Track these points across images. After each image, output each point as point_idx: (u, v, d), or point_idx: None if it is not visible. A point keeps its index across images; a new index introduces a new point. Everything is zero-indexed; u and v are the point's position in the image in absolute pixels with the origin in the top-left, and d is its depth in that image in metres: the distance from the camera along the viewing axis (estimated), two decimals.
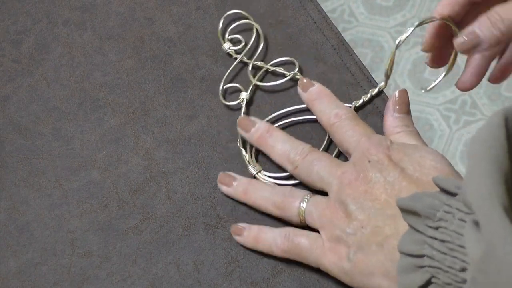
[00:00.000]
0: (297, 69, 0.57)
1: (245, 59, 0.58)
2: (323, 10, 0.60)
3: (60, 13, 0.62)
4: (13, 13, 0.62)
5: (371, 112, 0.56)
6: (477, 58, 0.51)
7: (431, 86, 0.56)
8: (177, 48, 0.60)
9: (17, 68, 0.60)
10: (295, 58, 0.58)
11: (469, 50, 0.50)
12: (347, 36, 1.35)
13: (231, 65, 0.58)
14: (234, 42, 0.59)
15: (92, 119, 0.58)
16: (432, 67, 0.55)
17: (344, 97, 0.56)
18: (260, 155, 0.55)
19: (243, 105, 0.56)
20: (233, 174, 0.54)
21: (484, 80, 0.54)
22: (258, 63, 0.58)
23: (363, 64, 0.58)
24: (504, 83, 1.29)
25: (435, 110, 1.29)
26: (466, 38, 0.50)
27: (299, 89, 0.55)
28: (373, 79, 0.57)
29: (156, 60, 0.60)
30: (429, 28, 0.52)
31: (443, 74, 0.56)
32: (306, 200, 0.50)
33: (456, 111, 1.29)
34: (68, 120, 0.58)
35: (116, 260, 0.52)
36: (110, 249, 0.53)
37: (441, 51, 0.54)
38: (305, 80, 0.54)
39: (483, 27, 0.49)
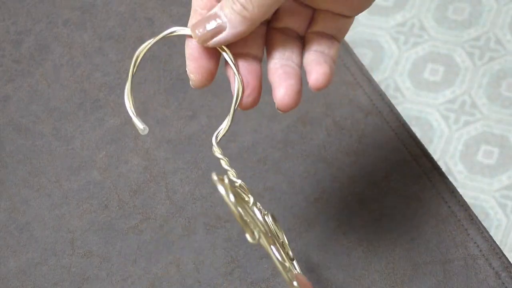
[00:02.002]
0: None
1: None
2: None
3: (60, 13, 0.62)
4: (13, 13, 0.62)
5: (371, 112, 0.56)
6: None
7: None
8: (177, 48, 0.60)
9: (17, 68, 0.60)
10: None
11: (213, 41, 0.39)
12: (347, 36, 1.35)
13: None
14: None
15: (92, 119, 0.58)
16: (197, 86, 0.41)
17: (344, 97, 0.56)
18: None
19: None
20: None
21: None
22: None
23: (363, 64, 0.58)
24: (504, 83, 1.29)
25: (434, 110, 1.29)
26: (205, 27, 0.38)
27: None
28: (373, 79, 0.57)
29: (156, 60, 0.60)
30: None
31: None
32: None
33: (455, 111, 1.29)
34: (68, 120, 0.58)
35: (116, 260, 0.52)
36: (110, 249, 0.53)
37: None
38: None
39: (224, 7, 0.38)
